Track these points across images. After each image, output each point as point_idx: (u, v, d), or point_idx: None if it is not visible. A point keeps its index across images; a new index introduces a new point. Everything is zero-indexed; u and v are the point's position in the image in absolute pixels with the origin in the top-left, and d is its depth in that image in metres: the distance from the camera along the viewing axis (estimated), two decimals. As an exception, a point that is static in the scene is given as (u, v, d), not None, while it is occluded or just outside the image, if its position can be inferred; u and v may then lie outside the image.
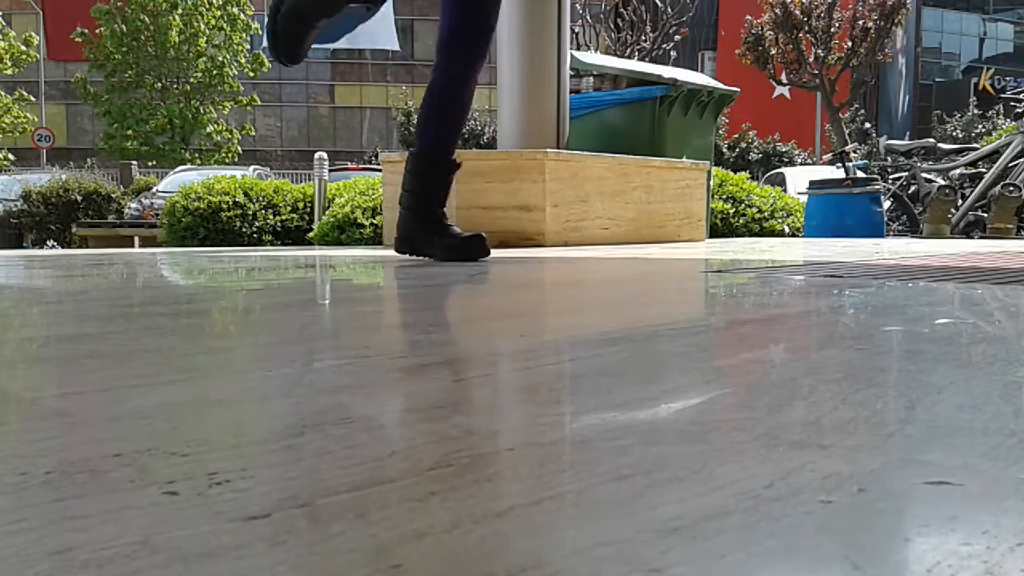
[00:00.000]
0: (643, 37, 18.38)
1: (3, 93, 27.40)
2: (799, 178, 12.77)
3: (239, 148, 28.79)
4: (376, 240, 5.43)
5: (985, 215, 7.79)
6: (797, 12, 24.18)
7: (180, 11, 26.68)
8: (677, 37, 18.79)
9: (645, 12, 18.72)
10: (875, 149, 10.34)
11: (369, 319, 1.48)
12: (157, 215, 11.16)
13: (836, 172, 8.50)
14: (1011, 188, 7.40)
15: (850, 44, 24.43)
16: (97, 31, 26.57)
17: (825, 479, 0.50)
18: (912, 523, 0.45)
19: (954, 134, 29.67)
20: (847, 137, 24.08)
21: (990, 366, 0.91)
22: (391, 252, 3.14)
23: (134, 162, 21.85)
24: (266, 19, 2.75)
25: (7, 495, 0.49)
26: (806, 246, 4.39)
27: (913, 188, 8.26)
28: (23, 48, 26.65)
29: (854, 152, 8.52)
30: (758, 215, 6.91)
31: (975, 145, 9.17)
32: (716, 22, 39.94)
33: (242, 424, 0.69)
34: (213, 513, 0.45)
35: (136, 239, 11.42)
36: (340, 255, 3.60)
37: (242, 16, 27.79)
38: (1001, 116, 26.00)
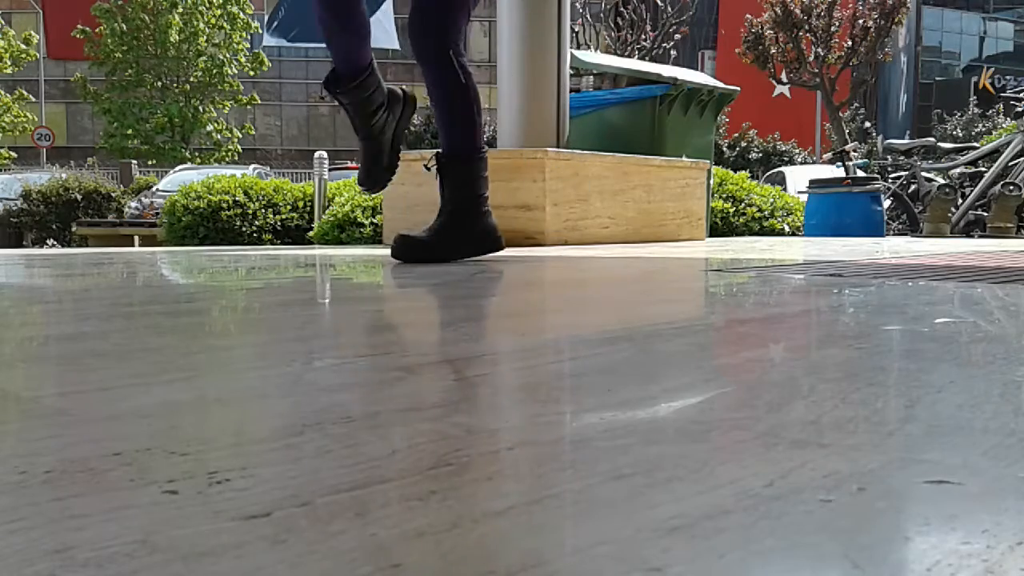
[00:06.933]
0: (643, 36, 18.36)
1: (3, 92, 27.37)
2: (799, 177, 12.77)
3: (239, 147, 28.77)
4: (376, 239, 5.43)
5: (985, 214, 7.78)
6: (797, 11, 24.15)
7: (180, 10, 26.66)
8: (677, 36, 18.78)
9: (645, 11, 18.70)
10: (875, 148, 10.33)
11: (369, 318, 1.48)
12: (157, 214, 11.14)
13: (836, 171, 8.49)
14: (1011, 187, 7.40)
15: (850, 43, 24.39)
16: (97, 29, 26.55)
17: (825, 478, 0.50)
18: (912, 522, 0.45)
19: (954, 133, 29.65)
20: (847, 136, 24.06)
21: (990, 365, 0.91)
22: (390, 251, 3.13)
23: (134, 161, 21.84)
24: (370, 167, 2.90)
25: (7, 494, 0.49)
26: (806, 245, 4.39)
27: (913, 187, 8.25)
28: (23, 47, 26.62)
29: (854, 151, 8.51)
30: (758, 214, 6.91)
31: (975, 144, 9.15)
32: (716, 21, 39.90)
33: (242, 423, 0.69)
34: (213, 512, 0.45)
35: (136, 238, 11.39)
36: (340, 254, 3.60)
37: (242, 15, 27.76)
38: (1001, 115, 25.99)
